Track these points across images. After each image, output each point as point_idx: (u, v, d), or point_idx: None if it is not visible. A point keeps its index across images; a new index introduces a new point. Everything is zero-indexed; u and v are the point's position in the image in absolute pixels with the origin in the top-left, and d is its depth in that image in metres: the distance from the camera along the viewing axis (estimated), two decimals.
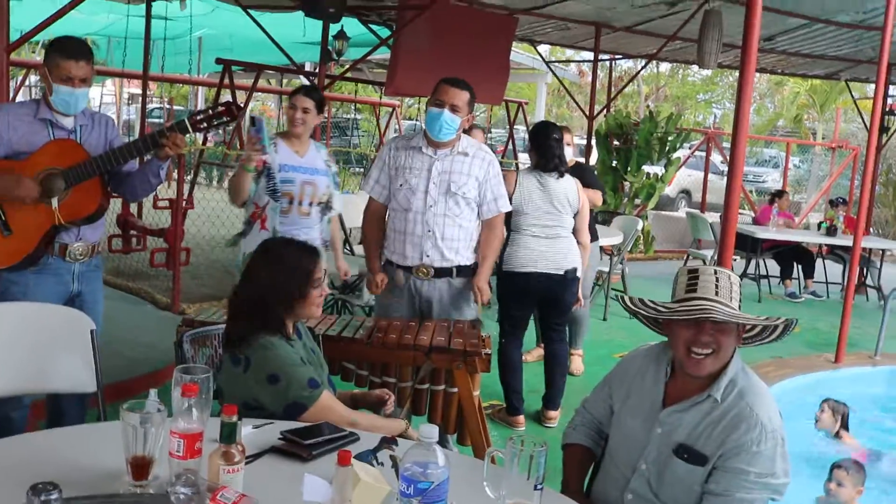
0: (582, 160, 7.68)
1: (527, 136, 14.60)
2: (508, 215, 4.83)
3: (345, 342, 3.44)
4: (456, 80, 4.06)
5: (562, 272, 4.97)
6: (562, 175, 5.00)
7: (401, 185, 4.07)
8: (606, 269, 7.86)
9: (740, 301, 2.35)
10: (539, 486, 1.94)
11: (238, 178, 4.27)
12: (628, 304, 2.46)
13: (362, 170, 15.65)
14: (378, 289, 4.17)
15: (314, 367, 2.82)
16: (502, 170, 4.39)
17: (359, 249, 7.88)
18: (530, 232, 4.94)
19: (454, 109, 3.97)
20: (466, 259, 4.15)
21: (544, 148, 4.99)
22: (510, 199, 4.79)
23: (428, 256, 4.07)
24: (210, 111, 3.43)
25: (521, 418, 5.16)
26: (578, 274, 5.09)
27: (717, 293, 2.30)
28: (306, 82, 17.81)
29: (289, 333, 2.76)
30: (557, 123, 5.37)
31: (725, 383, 2.31)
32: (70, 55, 3.37)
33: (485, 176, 4.10)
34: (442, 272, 4.09)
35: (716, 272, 2.35)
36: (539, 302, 5.12)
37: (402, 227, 4.09)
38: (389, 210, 4.18)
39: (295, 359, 2.68)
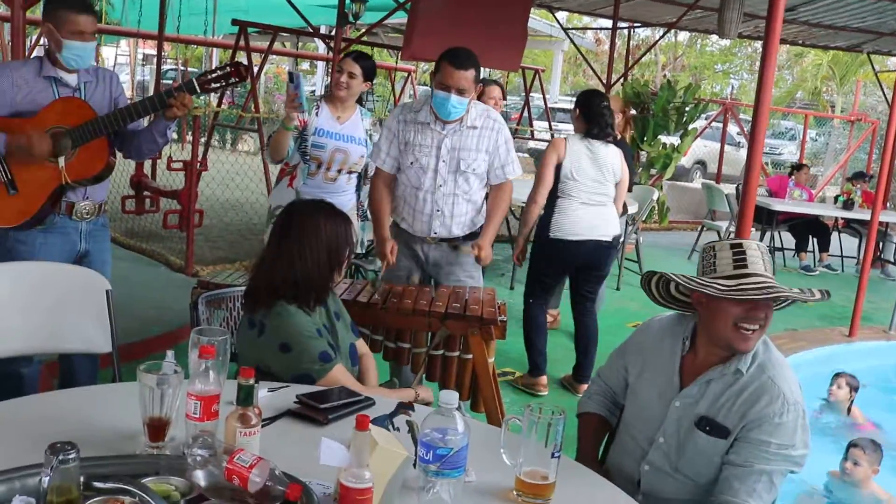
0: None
1: (543, 104, 14.54)
2: (557, 180, 4.89)
3: (359, 307, 3.42)
4: (459, 61, 3.84)
5: (609, 239, 5.06)
6: (610, 142, 5.05)
7: (411, 163, 4.01)
8: (621, 238, 7.81)
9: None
10: (556, 454, 1.93)
11: (278, 135, 4.29)
12: (653, 286, 2.45)
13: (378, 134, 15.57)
14: (391, 257, 4.05)
15: (338, 334, 2.82)
16: (546, 138, 4.44)
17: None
18: (580, 199, 4.96)
19: (461, 92, 3.85)
20: (474, 227, 4.13)
21: (595, 115, 5.00)
22: (560, 167, 4.89)
23: (436, 233, 4.07)
24: (219, 71, 3.42)
25: (544, 379, 5.23)
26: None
27: (765, 268, 2.29)
28: (322, 45, 17.68)
29: (309, 303, 2.73)
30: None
31: (751, 355, 2.29)
32: (81, 9, 3.34)
33: (494, 146, 4.02)
34: (449, 239, 4.09)
35: (758, 247, 2.32)
36: (579, 269, 5.15)
37: (412, 202, 4.07)
38: (399, 181, 4.12)
39: (310, 329, 2.66)
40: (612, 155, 5.04)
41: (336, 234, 2.73)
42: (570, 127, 5.57)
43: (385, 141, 4.11)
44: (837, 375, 5.42)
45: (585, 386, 5.14)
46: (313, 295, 2.72)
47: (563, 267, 5.13)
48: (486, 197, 4.25)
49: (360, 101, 4.69)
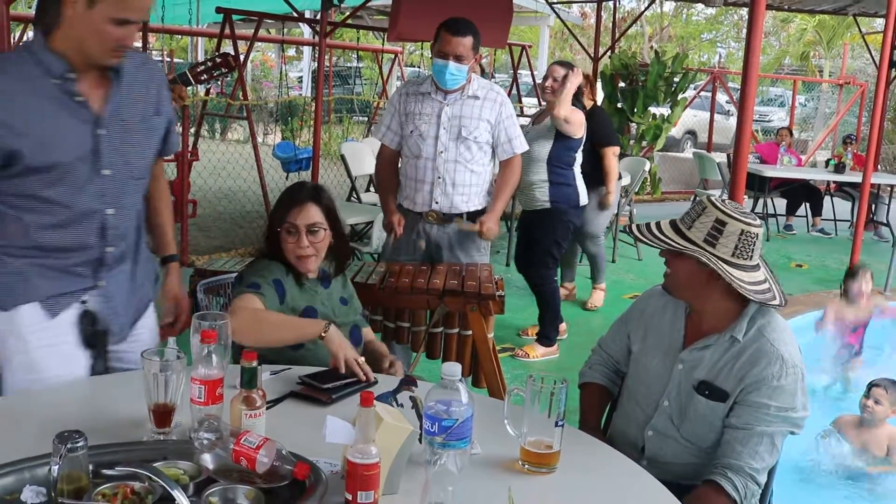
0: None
1: (531, 81, 14.45)
2: (566, 151, 5.18)
3: (357, 288, 3.41)
4: (456, 27, 3.92)
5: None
6: None
7: (411, 132, 4.03)
8: (615, 211, 7.81)
9: (710, 236, 2.23)
10: (560, 423, 1.95)
11: None
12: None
13: (366, 118, 15.54)
14: (397, 229, 4.07)
15: (337, 315, 2.83)
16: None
17: (365, 197, 7.87)
18: (577, 167, 5.34)
19: (459, 59, 3.89)
20: (477, 205, 4.11)
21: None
22: (578, 139, 5.18)
23: (437, 203, 4.04)
24: (209, 62, 3.45)
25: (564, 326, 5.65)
26: None
27: (682, 218, 2.32)
28: (307, 30, 17.61)
29: (298, 273, 2.76)
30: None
31: (746, 322, 2.30)
32: None
33: (497, 118, 4.05)
34: (451, 217, 4.08)
35: (699, 201, 2.33)
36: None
37: (412, 174, 4.07)
38: (402, 156, 4.15)
39: (262, 270, 2.69)
40: None
41: (283, 198, 2.80)
42: None
43: (387, 115, 4.16)
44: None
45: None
46: (281, 256, 2.76)
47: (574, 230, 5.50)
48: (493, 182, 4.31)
49: None
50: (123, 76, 2.31)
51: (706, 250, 2.24)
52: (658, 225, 2.35)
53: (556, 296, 5.39)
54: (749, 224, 2.24)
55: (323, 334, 2.49)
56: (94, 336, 2.37)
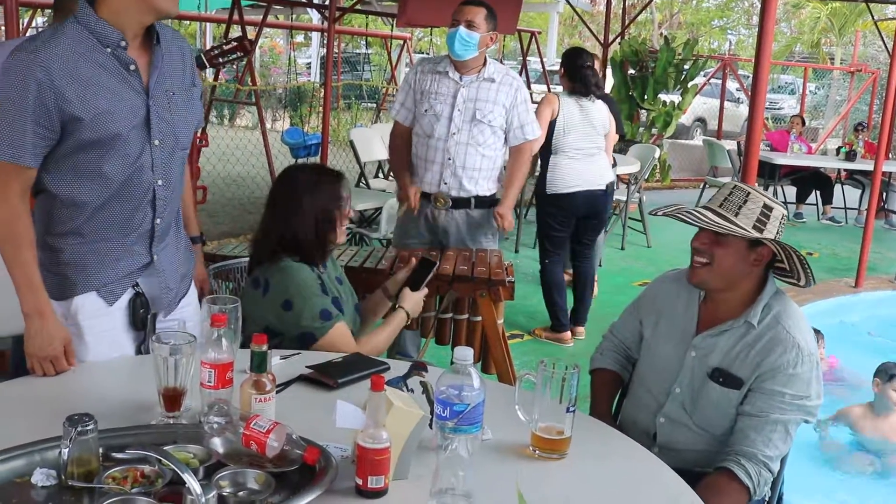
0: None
1: (540, 67, 14.42)
2: (549, 137, 5.06)
3: (367, 273, 3.42)
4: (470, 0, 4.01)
5: (603, 187, 5.29)
6: (596, 98, 5.30)
7: (425, 111, 4.01)
8: (624, 198, 7.79)
9: (759, 221, 2.27)
10: (571, 409, 1.93)
11: None
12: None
13: (374, 105, 15.51)
14: (413, 200, 4.06)
15: (342, 296, 2.81)
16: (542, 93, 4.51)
17: (374, 183, 7.87)
18: (569, 154, 5.17)
19: (470, 25, 3.90)
20: (486, 190, 4.10)
21: (581, 75, 5.24)
22: (553, 123, 5.08)
23: (446, 184, 4.03)
24: (224, 46, 3.44)
25: (568, 335, 5.41)
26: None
27: (721, 205, 2.30)
28: (316, 16, 17.57)
29: (317, 261, 2.74)
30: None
31: (761, 308, 2.29)
32: None
33: (512, 102, 4.03)
34: (459, 202, 4.06)
35: (735, 187, 2.33)
36: (580, 219, 5.33)
37: (423, 154, 4.06)
38: (413, 135, 4.13)
39: (313, 287, 2.65)
40: (599, 109, 5.29)
41: (315, 191, 2.73)
42: None
43: (401, 92, 4.16)
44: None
45: (582, 328, 5.48)
46: (316, 252, 2.73)
47: (564, 220, 5.29)
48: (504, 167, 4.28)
49: None
50: (163, 45, 2.30)
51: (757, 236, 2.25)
52: (697, 211, 2.32)
53: (548, 283, 5.37)
54: (784, 208, 2.33)
55: (409, 317, 2.95)
56: (143, 318, 2.42)
